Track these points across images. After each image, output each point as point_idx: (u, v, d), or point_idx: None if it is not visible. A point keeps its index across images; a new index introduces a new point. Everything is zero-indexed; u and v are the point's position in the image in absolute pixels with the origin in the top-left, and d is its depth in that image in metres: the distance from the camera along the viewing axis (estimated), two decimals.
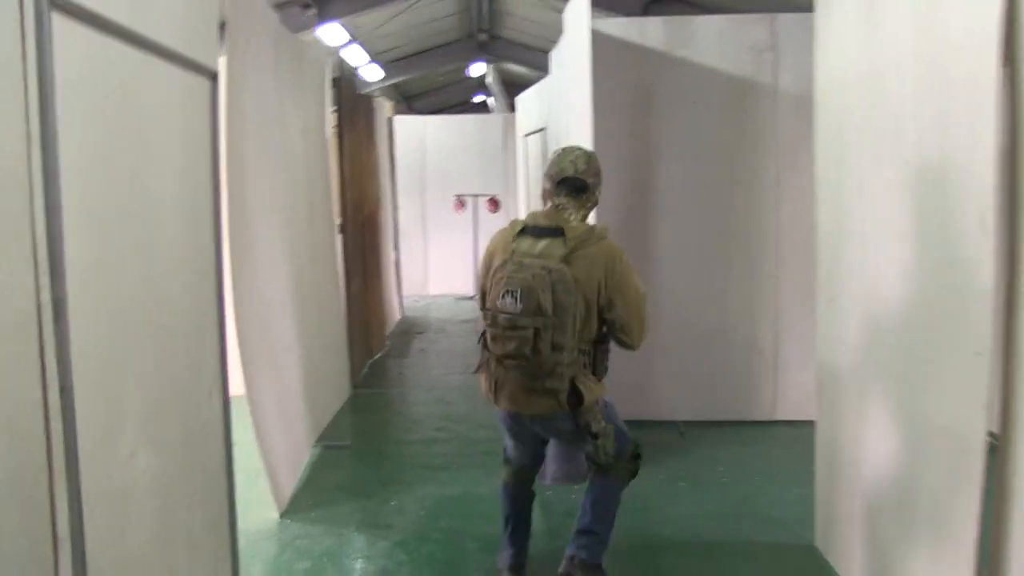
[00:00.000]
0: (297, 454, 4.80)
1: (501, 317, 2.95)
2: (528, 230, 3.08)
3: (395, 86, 16.09)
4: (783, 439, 5.39)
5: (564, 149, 3.29)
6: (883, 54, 2.96)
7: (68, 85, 1.78)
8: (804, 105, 5.40)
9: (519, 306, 2.89)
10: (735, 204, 5.57)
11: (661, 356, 5.67)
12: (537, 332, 2.89)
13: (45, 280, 1.69)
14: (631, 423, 5.56)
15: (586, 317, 3.00)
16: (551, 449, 4.46)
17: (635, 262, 5.53)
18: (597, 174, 3.20)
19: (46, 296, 1.70)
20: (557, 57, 6.38)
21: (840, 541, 3.53)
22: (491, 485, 4.50)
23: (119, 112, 2.08)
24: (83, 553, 1.78)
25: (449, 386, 6.86)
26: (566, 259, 2.95)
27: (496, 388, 3.13)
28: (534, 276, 2.90)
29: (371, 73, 13.31)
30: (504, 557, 3.48)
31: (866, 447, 3.24)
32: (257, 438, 4.00)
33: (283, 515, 4.16)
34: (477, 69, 15.19)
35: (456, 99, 20.13)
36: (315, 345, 5.55)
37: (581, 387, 3.02)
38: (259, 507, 4.10)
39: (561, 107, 6.12)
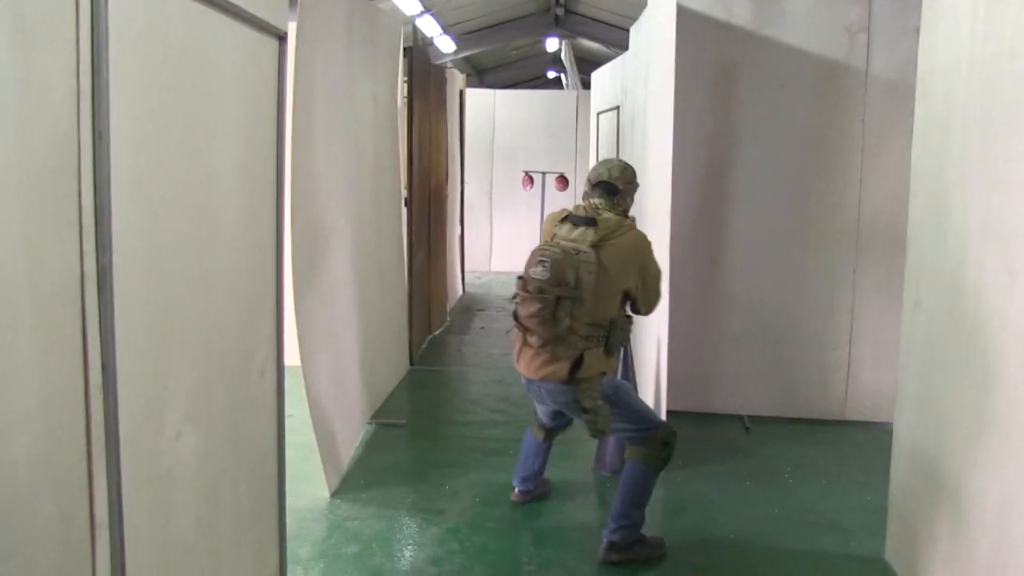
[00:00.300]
0: (351, 431, 4.72)
1: (531, 283, 3.31)
2: (570, 218, 3.52)
3: (467, 59, 15.92)
4: (853, 441, 5.15)
5: (605, 159, 3.88)
6: (1003, 36, 2.71)
7: (122, 39, 1.66)
8: (896, 91, 5.16)
9: (547, 274, 3.27)
10: (816, 193, 5.31)
11: (729, 347, 5.47)
12: (559, 300, 3.27)
13: (90, 247, 1.58)
14: (694, 416, 5.46)
15: (607, 296, 3.39)
16: (611, 442, 4.32)
17: (709, 247, 5.41)
18: (629, 182, 3.62)
19: (91, 264, 1.59)
20: (637, 33, 6.15)
21: (915, 557, 3.31)
22: (554, 475, 4.39)
23: (178, 71, 1.95)
24: (122, 540, 1.68)
25: (508, 367, 6.71)
26: (595, 245, 3.36)
27: (519, 354, 3.55)
28: (564, 252, 3.31)
29: (443, 45, 13.15)
30: (514, 480, 4.12)
31: (951, 459, 3.02)
32: (311, 414, 3.92)
33: (333, 494, 4.08)
34: (551, 44, 14.93)
35: (528, 74, 19.89)
36: (375, 320, 5.45)
37: (586, 357, 3.37)
38: (309, 484, 4.02)
39: (638, 85, 5.90)
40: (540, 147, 11.76)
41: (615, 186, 3.57)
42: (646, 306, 3.60)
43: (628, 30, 6.78)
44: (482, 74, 18.42)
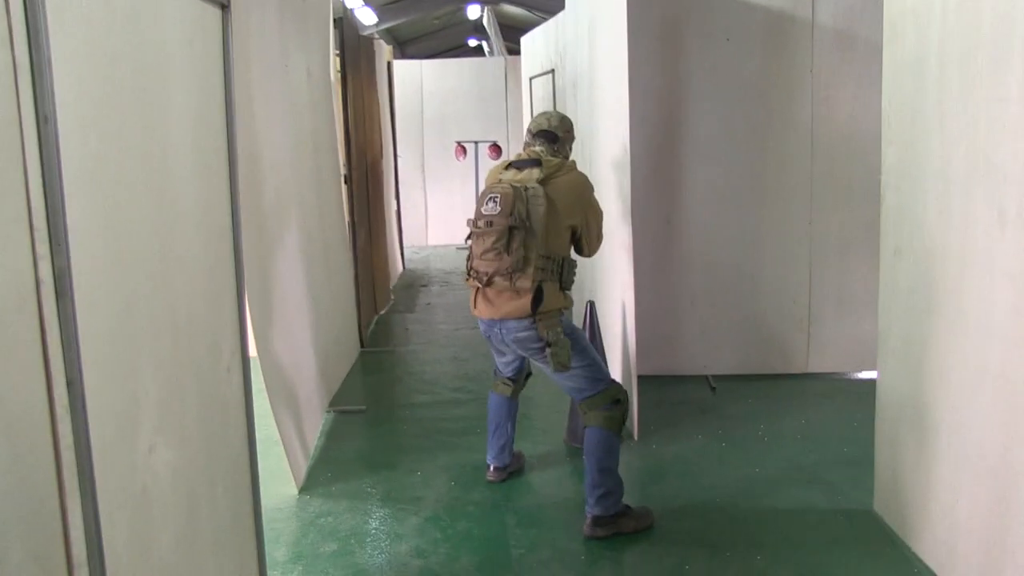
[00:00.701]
0: (312, 422, 4.51)
1: (482, 221, 3.42)
2: (513, 164, 3.62)
3: (388, 31, 15.54)
4: (819, 393, 5.13)
5: (543, 111, 4.11)
6: None
7: (60, 10, 1.43)
8: (843, 40, 5.10)
9: (497, 208, 3.38)
10: (769, 146, 5.23)
11: (689, 307, 5.40)
12: (511, 231, 3.35)
13: (44, 249, 1.37)
14: (658, 378, 5.38)
15: (557, 231, 3.44)
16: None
17: (663, 206, 5.30)
18: (568, 131, 3.76)
19: (46, 269, 1.37)
20: None
21: (906, 509, 3.27)
22: (526, 449, 4.25)
23: (124, 39, 1.73)
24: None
25: (461, 342, 6.56)
26: (541, 182, 3.45)
27: (476, 296, 3.57)
28: (512, 188, 3.41)
29: (365, 17, 12.79)
30: (488, 456, 4.02)
31: (943, 408, 2.97)
32: (272, 406, 3.71)
33: (302, 490, 3.88)
34: (473, 11, 14.65)
35: (449, 44, 19.57)
36: (324, 303, 5.23)
37: (545, 289, 3.41)
38: (276, 481, 3.81)
39: (580, 47, 5.74)
40: (471, 116, 11.55)
41: (555, 134, 3.69)
42: (589, 246, 3.66)
43: None
44: (403, 46, 18.04)
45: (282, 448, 3.81)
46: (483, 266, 3.44)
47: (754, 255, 5.34)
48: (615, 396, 3.54)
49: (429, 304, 8.11)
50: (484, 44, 17.50)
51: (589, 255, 3.73)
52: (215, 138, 2.38)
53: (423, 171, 11.71)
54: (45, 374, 1.37)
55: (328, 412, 4.98)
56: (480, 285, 3.48)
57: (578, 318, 4.92)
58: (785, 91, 5.16)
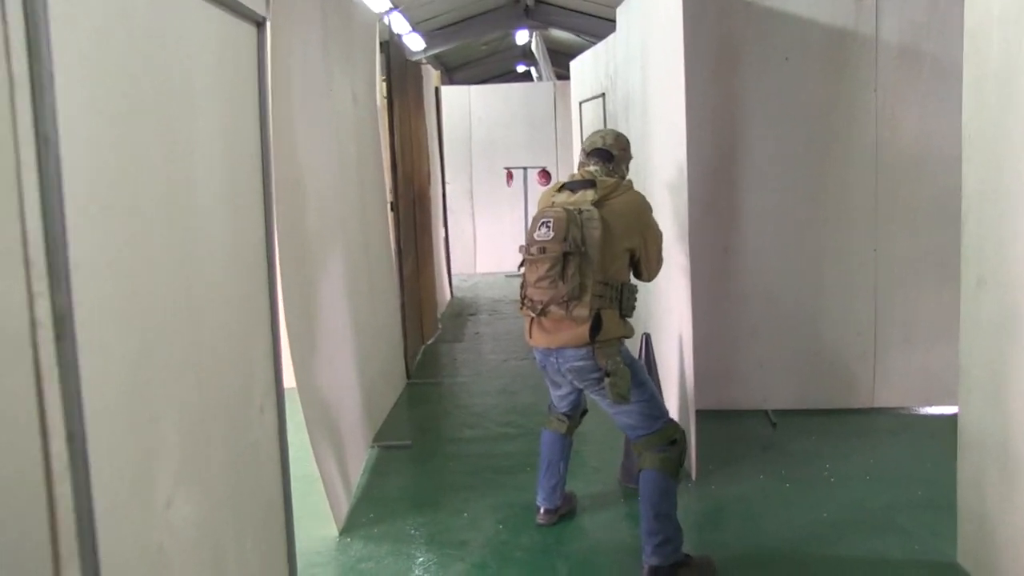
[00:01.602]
0: (355, 458, 4.35)
1: (535, 245, 3.24)
2: (567, 185, 3.46)
3: (436, 56, 15.53)
4: (886, 429, 4.84)
5: (597, 129, 3.87)
6: None
7: (67, 19, 1.29)
8: (909, 56, 4.86)
9: (551, 233, 3.20)
10: (830, 169, 4.99)
11: (748, 338, 5.15)
12: (566, 257, 3.17)
13: (41, 285, 1.22)
14: (716, 413, 5.12)
15: (614, 255, 3.26)
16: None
17: (721, 235, 5.07)
18: (624, 149, 3.58)
19: (43, 308, 1.22)
20: (625, 13, 5.81)
21: (996, 561, 2.99)
22: (578, 489, 4.04)
23: (147, 58, 1.59)
24: None
25: (510, 373, 6.38)
26: (596, 204, 3.27)
27: (531, 325, 3.38)
28: (566, 211, 3.23)
29: (413, 43, 12.76)
30: (538, 498, 3.80)
31: None
32: (311, 443, 3.55)
33: (343, 532, 3.70)
34: (521, 37, 14.57)
35: (498, 70, 19.53)
36: (370, 333, 5.09)
37: (604, 317, 3.23)
38: (315, 522, 3.64)
39: (632, 68, 5.57)
40: (519, 142, 11.42)
41: (610, 152, 3.53)
42: (648, 269, 3.49)
43: (601, 17, 6.48)
44: (451, 72, 18.03)
45: (322, 486, 3.65)
46: (537, 294, 3.26)
47: (816, 284, 5.09)
48: (671, 436, 3.33)
49: (478, 333, 7.94)
50: (532, 70, 17.43)
51: (648, 279, 3.53)
52: (248, 163, 2.24)
53: (471, 198, 11.60)
54: (41, 428, 1.21)
55: (372, 447, 4.82)
56: (534, 315, 3.31)
57: (633, 350, 4.71)
58: (847, 112, 4.92)
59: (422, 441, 4.99)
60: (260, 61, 2.35)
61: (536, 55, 14.11)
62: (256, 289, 2.32)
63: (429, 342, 7.45)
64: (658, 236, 3.48)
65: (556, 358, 3.34)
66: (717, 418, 5.01)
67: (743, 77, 4.97)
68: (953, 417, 4.99)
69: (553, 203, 3.37)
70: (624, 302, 3.32)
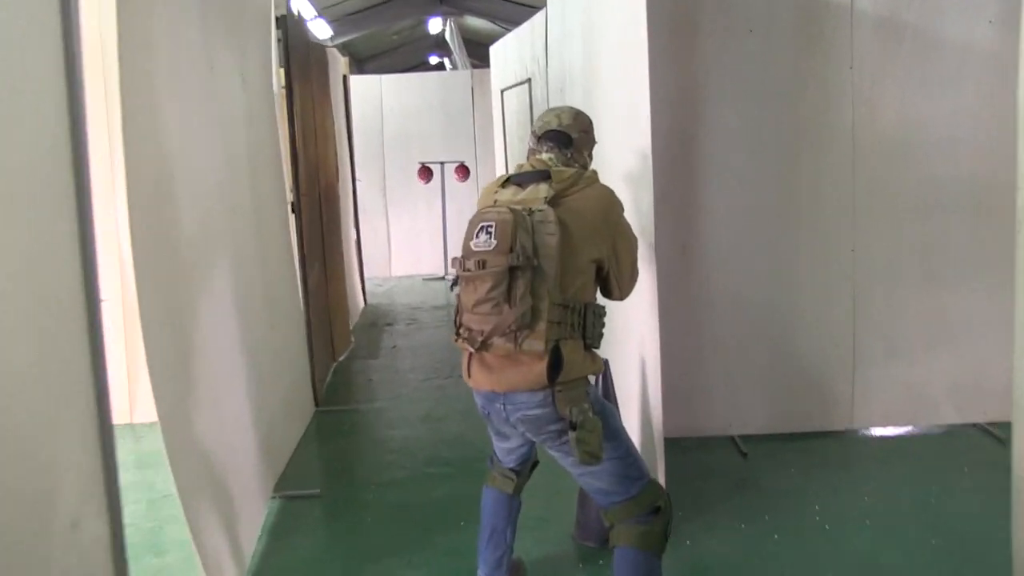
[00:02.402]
0: (249, 518, 3.51)
1: (473, 257, 2.50)
2: (513, 179, 2.70)
3: (345, 46, 14.60)
4: (874, 458, 4.24)
5: (551, 107, 3.02)
6: None
7: None
8: (889, 28, 4.23)
9: (493, 242, 2.45)
10: (801, 157, 4.35)
11: (710, 353, 4.48)
12: (513, 272, 2.43)
13: None
14: (676, 442, 4.32)
15: (576, 269, 2.53)
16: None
17: (678, 230, 4.34)
18: (585, 130, 2.83)
19: None
20: None
21: None
22: (524, 550, 3.29)
23: None
24: None
25: (434, 395, 5.59)
26: (551, 202, 2.54)
27: (470, 361, 2.61)
28: (513, 213, 2.48)
29: (319, 30, 11.84)
30: (480, 571, 2.98)
31: None
32: (184, 511, 2.73)
33: None
34: (435, 25, 13.76)
35: (410, 61, 18.67)
36: (268, 358, 4.26)
37: (565, 351, 2.48)
38: None
39: (569, 46, 4.85)
40: (435, 135, 10.62)
41: (568, 135, 2.78)
42: (620, 285, 2.74)
43: (519, 3, 5.74)
44: (361, 63, 17.09)
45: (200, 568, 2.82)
46: (477, 322, 2.50)
47: (786, 289, 4.44)
48: (653, 502, 2.61)
49: (395, 347, 7.12)
50: (446, 60, 16.64)
51: (621, 297, 2.77)
52: (45, 159, 1.43)
53: (385, 195, 10.75)
54: None
55: (274, 498, 3.99)
56: (472, 349, 2.53)
57: None
58: (820, 92, 4.29)
59: (333, 487, 4.18)
60: (67, 13, 1.53)
61: (450, 43, 13.35)
62: (62, 334, 1.51)
63: (341, 359, 6.61)
64: (632, 242, 2.75)
65: (503, 404, 2.57)
66: (679, 447, 4.32)
67: (702, 53, 4.29)
68: (942, 436, 4.51)
69: (496, 202, 2.62)
70: (589, 329, 2.57)
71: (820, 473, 4.04)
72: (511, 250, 2.43)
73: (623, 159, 3.66)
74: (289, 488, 4.12)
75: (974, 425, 4.53)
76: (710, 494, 3.86)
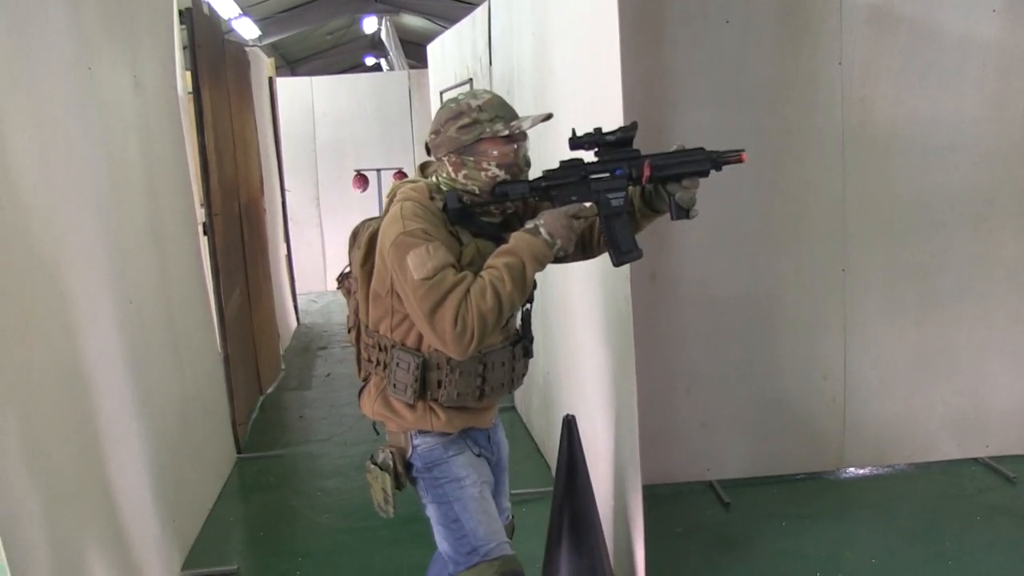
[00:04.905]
0: None
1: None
2: None
3: (275, 47, 13.86)
4: (873, 505, 3.75)
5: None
6: None
7: None
8: (882, 22, 3.74)
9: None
10: (786, 165, 3.83)
11: (685, 392, 3.95)
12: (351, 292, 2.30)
13: None
14: (649, 490, 3.66)
15: (373, 299, 2.16)
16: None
17: (645, 257, 3.79)
18: (437, 132, 2.13)
19: None
20: None
21: None
22: None
23: None
24: None
25: (369, 436, 4.88)
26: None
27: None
28: (363, 223, 2.24)
29: (245, 29, 11.10)
30: None
31: None
32: None
33: None
34: (370, 24, 13.08)
35: (345, 63, 17.96)
36: (173, 410, 3.62)
37: (365, 389, 2.30)
38: None
39: (516, 40, 4.28)
40: (371, 140, 9.93)
41: (427, 142, 2.18)
42: (425, 331, 2.03)
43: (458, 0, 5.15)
44: (293, 65, 16.35)
45: None
46: None
47: (769, 317, 3.92)
48: None
49: (329, 375, 6.46)
50: (383, 62, 15.98)
51: (440, 347, 2.00)
52: None
53: (318, 205, 10.06)
54: None
55: None
56: None
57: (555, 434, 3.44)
58: (806, 92, 3.77)
59: (253, 559, 3.56)
60: None
61: (386, 43, 12.68)
62: None
63: (269, 391, 5.95)
64: (416, 284, 1.95)
65: None
66: (653, 498, 3.72)
67: (672, 47, 3.74)
68: (943, 475, 4.02)
69: None
70: (427, 382, 2.11)
71: (814, 526, 3.54)
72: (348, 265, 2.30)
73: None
74: (201, 563, 3.49)
75: (976, 460, 4.07)
76: (692, 557, 3.33)
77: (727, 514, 3.70)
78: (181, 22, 4.39)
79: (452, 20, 9.97)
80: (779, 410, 3.98)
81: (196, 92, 4.42)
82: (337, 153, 9.93)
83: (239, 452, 4.73)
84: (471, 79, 5.79)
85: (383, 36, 12.71)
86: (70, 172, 2.76)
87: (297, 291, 8.35)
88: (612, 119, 2.75)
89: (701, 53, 3.72)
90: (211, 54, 4.78)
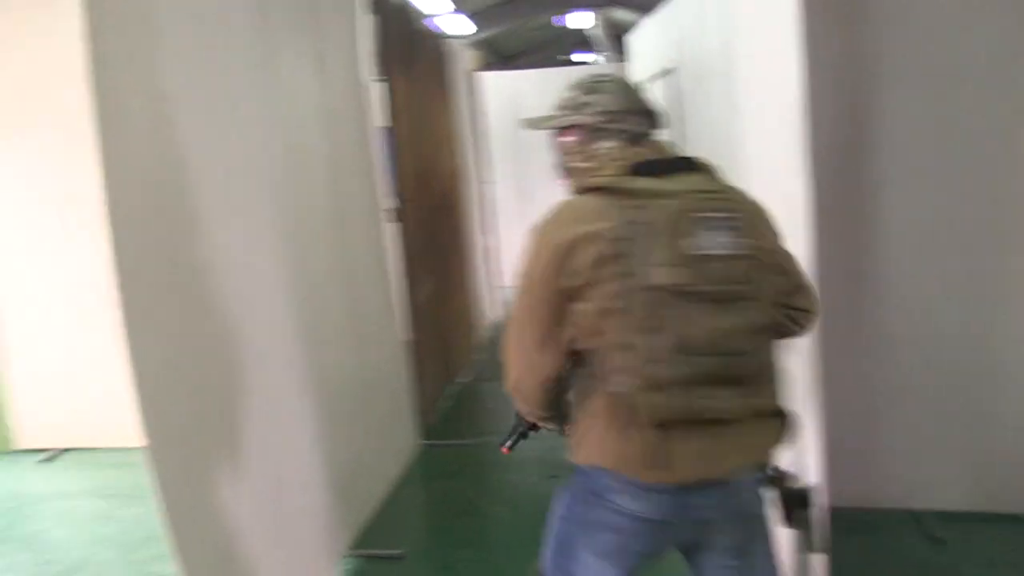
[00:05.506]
0: None
1: (706, 270, 1.66)
2: (642, 167, 1.78)
3: (489, 43, 14.11)
4: None
5: (597, 81, 2.02)
6: None
7: None
8: None
9: (740, 239, 1.69)
10: (1014, 154, 3.36)
11: (890, 408, 3.56)
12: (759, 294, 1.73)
13: None
14: (843, 514, 3.35)
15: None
16: None
17: (847, 254, 3.45)
18: None
19: None
20: None
21: None
22: None
23: None
24: None
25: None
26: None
27: (668, 445, 1.70)
28: (742, 196, 1.80)
29: (459, 25, 11.36)
30: None
31: None
32: None
33: None
34: (577, 19, 13.00)
35: (557, 58, 18.02)
36: (353, 393, 3.69)
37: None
38: None
39: (700, 35, 4.05)
40: None
41: (659, 114, 1.95)
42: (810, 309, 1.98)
43: None
44: (508, 60, 16.60)
45: None
46: (722, 390, 1.70)
47: (993, 326, 3.45)
48: None
49: None
50: (593, 57, 15.89)
51: (804, 331, 2.00)
52: None
53: (521, 198, 10.14)
54: None
55: (348, 557, 3.40)
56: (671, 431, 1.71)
57: None
58: None
59: (422, 547, 3.57)
60: None
61: (599, 37, 12.58)
62: None
63: (463, 380, 6.00)
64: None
65: (719, 498, 1.78)
66: (844, 522, 3.41)
67: (874, 24, 3.35)
68: None
69: (676, 191, 1.72)
70: None
71: None
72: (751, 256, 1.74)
73: (771, 159, 2.85)
74: (372, 544, 3.54)
75: None
76: None
77: (940, 554, 3.29)
78: (373, 11, 4.45)
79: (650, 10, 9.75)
80: (1001, 435, 3.49)
81: (385, 80, 4.48)
82: (544, 147, 9.94)
83: (425, 439, 4.78)
84: (674, 68, 5.57)
85: (595, 32, 12.63)
86: (247, 158, 2.82)
87: (498, 284, 8.43)
88: (792, 115, 2.50)
89: (909, 30, 3.30)
90: (401, 43, 4.84)
